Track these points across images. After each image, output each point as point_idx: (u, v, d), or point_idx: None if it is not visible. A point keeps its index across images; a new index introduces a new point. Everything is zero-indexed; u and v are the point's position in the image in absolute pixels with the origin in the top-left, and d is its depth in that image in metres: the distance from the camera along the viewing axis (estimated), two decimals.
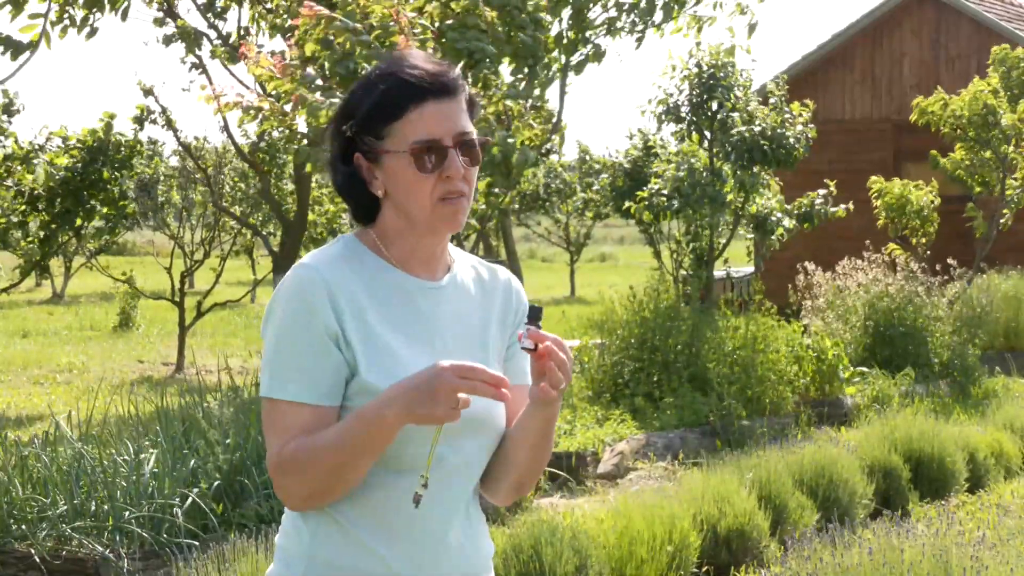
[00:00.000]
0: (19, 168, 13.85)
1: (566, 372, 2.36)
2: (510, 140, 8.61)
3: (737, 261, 17.83)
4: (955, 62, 21.94)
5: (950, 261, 14.49)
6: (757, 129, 13.05)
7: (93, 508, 6.47)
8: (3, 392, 14.53)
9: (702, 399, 10.48)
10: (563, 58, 13.65)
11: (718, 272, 14.87)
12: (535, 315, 2.37)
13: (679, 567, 6.70)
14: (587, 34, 14.08)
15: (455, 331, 2.49)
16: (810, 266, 14.25)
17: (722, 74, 13.08)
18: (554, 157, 30.17)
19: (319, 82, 8.38)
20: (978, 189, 15.68)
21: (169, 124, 16.80)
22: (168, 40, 15.85)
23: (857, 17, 22.76)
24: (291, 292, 2.38)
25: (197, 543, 6.25)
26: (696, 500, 7.14)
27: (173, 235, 21.48)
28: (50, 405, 12.06)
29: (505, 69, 9.99)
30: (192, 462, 6.83)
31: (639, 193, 13.87)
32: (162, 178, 24.05)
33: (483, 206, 10.44)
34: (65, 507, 6.44)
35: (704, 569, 6.97)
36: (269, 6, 14.39)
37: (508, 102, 8.93)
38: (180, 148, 20.85)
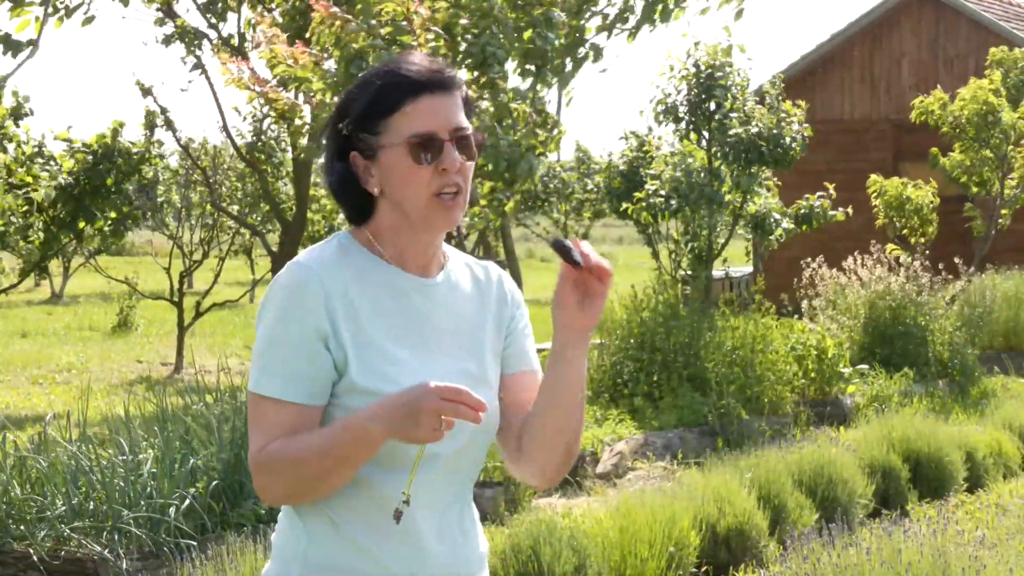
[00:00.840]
0: (20, 170, 13.85)
1: (603, 284, 2.38)
2: (514, 148, 8.63)
3: (736, 261, 17.82)
4: (954, 62, 21.95)
5: (953, 260, 14.50)
6: (754, 129, 13.05)
7: (92, 508, 6.47)
8: (2, 392, 14.53)
9: (701, 399, 10.48)
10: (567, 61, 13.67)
11: (717, 272, 14.87)
12: (562, 248, 2.36)
13: (678, 567, 6.70)
14: (584, 34, 14.10)
15: (449, 328, 2.49)
16: (813, 263, 14.25)
17: (719, 74, 13.07)
18: (552, 157, 30.18)
19: (332, 69, 8.40)
20: (975, 189, 15.69)
21: (168, 124, 16.80)
22: (168, 40, 15.86)
23: (856, 17, 22.78)
24: (284, 291, 2.39)
25: (195, 543, 6.25)
26: (695, 500, 7.14)
27: (172, 235, 21.47)
28: (51, 405, 12.07)
29: (510, 70, 10.00)
30: (190, 462, 6.83)
31: (637, 194, 13.87)
32: (161, 179, 24.03)
33: (487, 209, 10.45)
34: (64, 507, 6.44)
35: (703, 569, 6.97)
36: (271, 7, 14.39)
37: (513, 105, 8.93)
38: (179, 148, 20.82)
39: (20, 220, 14.04)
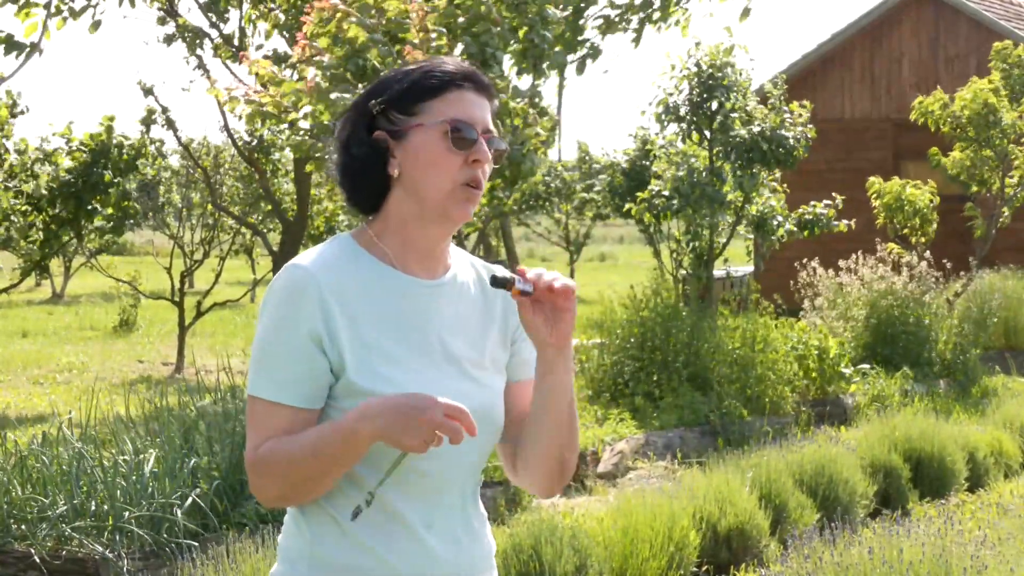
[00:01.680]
0: (20, 172, 13.86)
1: (567, 301, 2.35)
2: (516, 147, 8.63)
3: (737, 261, 17.82)
4: (954, 61, 21.95)
5: (954, 259, 14.50)
6: (756, 129, 13.05)
7: (93, 508, 6.47)
8: (3, 392, 14.53)
9: (702, 398, 10.49)
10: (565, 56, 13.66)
11: (718, 272, 14.86)
12: (501, 283, 2.33)
13: (679, 566, 6.70)
14: (584, 35, 14.10)
15: (452, 330, 2.47)
16: (813, 263, 14.25)
17: (721, 74, 13.08)
18: (552, 156, 30.20)
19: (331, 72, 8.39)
20: (975, 188, 15.68)
21: (169, 124, 16.80)
22: (169, 39, 15.86)
23: (856, 17, 22.78)
24: (280, 293, 2.38)
25: (197, 543, 6.26)
26: (696, 499, 7.14)
27: (173, 235, 21.47)
28: (51, 405, 12.07)
29: (507, 67, 10.00)
30: (192, 462, 6.83)
31: (639, 194, 13.87)
32: (163, 179, 24.05)
33: (486, 208, 10.45)
34: (65, 507, 6.44)
35: (704, 568, 6.97)
36: (271, 5, 14.38)
37: (512, 104, 8.93)
38: (180, 147, 20.85)
39: (21, 220, 14.05)
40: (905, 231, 14.93)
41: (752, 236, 15.23)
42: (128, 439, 7.07)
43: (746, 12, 15.82)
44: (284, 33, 14.37)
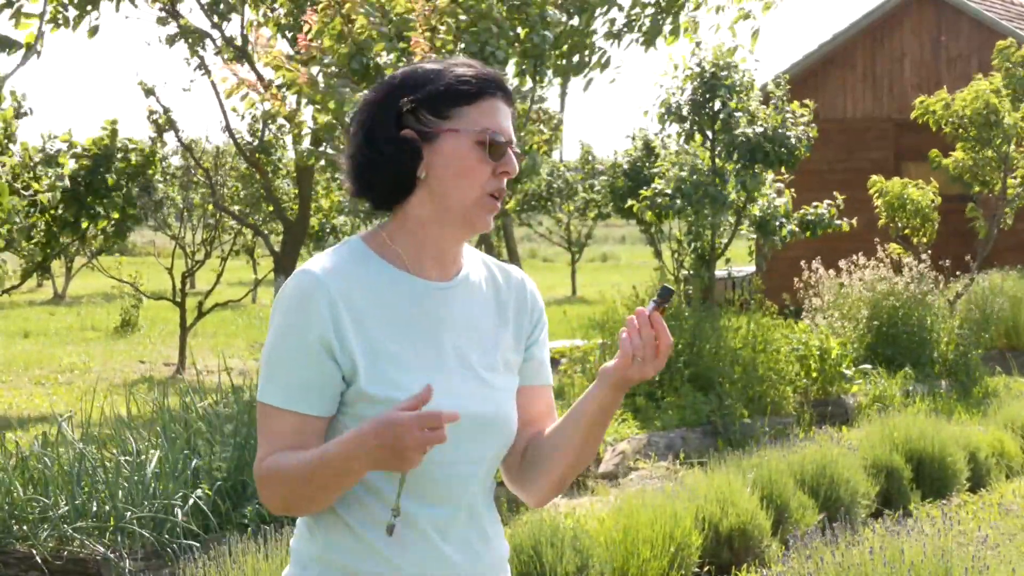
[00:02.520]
0: (25, 173, 13.85)
1: (661, 359, 2.39)
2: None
3: (738, 260, 17.83)
4: (955, 62, 21.94)
5: (955, 260, 14.49)
6: (759, 129, 13.05)
7: (95, 508, 6.47)
8: (4, 393, 14.53)
9: (703, 399, 10.49)
10: (563, 61, 13.67)
11: (720, 272, 14.86)
12: (666, 295, 2.39)
13: (680, 566, 6.70)
14: (592, 40, 14.10)
15: (464, 333, 2.45)
16: (814, 264, 14.25)
17: (724, 74, 13.07)
18: (556, 157, 30.18)
19: (334, 68, 8.39)
20: (977, 188, 15.68)
21: (171, 124, 16.80)
22: (171, 40, 15.86)
23: (858, 17, 22.77)
24: (289, 300, 2.37)
25: (199, 543, 6.26)
26: (698, 500, 7.14)
27: (174, 235, 21.47)
28: (53, 405, 12.07)
29: (509, 69, 10.00)
30: (193, 462, 6.83)
31: (642, 192, 13.87)
32: (164, 180, 24.02)
33: None
34: (67, 507, 6.44)
35: (706, 568, 6.97)
36: (275, 7, 14.39)
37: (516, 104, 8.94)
38: (181, 147, 20.83)
39: (23, 221, 14.05)
40: (907, 231, 14.93)
41: (754, 236, 15.23)
42: (130, 439, 7.07)
43: (755, 34, 15.89)
44: (286, 34, 14.37)
